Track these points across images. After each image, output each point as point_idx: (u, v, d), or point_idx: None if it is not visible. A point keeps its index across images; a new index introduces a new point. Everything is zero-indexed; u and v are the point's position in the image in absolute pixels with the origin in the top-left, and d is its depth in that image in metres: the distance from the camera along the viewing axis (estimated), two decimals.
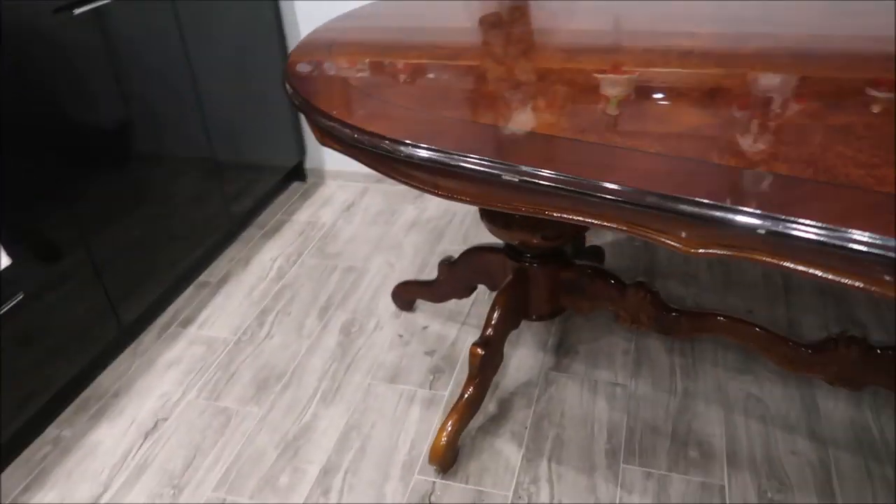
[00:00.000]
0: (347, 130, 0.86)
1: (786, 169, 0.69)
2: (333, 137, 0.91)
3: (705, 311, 1.28)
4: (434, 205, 2.16)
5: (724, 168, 0.71)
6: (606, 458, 1.31)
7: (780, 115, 0.81)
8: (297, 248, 2.00)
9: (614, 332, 1.60)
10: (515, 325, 1.41)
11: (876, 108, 0.81)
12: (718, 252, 0.68)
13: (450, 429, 1.28)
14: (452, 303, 1.69)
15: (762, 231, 0.63)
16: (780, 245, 0.64)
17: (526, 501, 1.24)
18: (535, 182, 0.73)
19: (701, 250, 0.69)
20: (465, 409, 1.30)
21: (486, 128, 0.84)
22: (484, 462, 1.31)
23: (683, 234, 0.70)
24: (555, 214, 0.76)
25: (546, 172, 0.73)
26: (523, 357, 1.55)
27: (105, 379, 1.57)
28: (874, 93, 0.85)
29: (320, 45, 1.17)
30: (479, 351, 1.30)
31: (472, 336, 1.62)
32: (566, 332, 1.61)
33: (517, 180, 0.73)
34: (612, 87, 0.92)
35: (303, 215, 2.16)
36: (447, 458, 1.28)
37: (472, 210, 2.11)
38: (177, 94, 1.65)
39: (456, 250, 1.93)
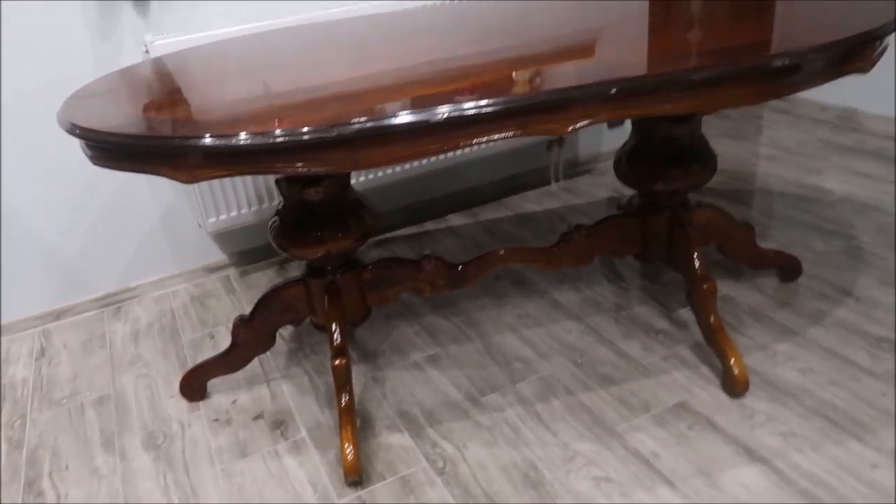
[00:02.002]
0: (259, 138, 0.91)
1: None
2: (230, 157, 0.93)
3: (482, 254, 1.60)
4: (143, 311, 2.00)
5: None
6: (469, 402, 1.51)
7: None
8: (14, 413, 1.63)
9: (395, 326, 1.80)
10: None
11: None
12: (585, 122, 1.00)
13: (349, 442, 1.32)
14: (244, 371, 1.64)
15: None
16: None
17: (442, 462, 1.36)
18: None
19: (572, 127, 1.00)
20: (349, 418, 1.35)
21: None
22: (385, 457, 1.38)
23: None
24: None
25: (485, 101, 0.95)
26: None
27: None
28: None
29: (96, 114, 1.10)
30: (340, 361, 1.37)
31: (286, 386, 1.62)
32: (360, 342, 1.74)
33: (444, 117, 0.93)
34: None
35: None
36: (360, 468, 1.31)
37: (192, 298, 2.04)
38: None
39: (200, 335, 1.87)
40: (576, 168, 2.58)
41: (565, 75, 1.11)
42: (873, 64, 1.15)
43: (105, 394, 1.67)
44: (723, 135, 2.81)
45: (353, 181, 2.08)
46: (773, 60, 1.07)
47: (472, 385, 1.56)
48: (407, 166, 2.15)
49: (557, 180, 2.53)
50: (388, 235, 2.29)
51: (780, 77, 1.11)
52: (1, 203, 1.82)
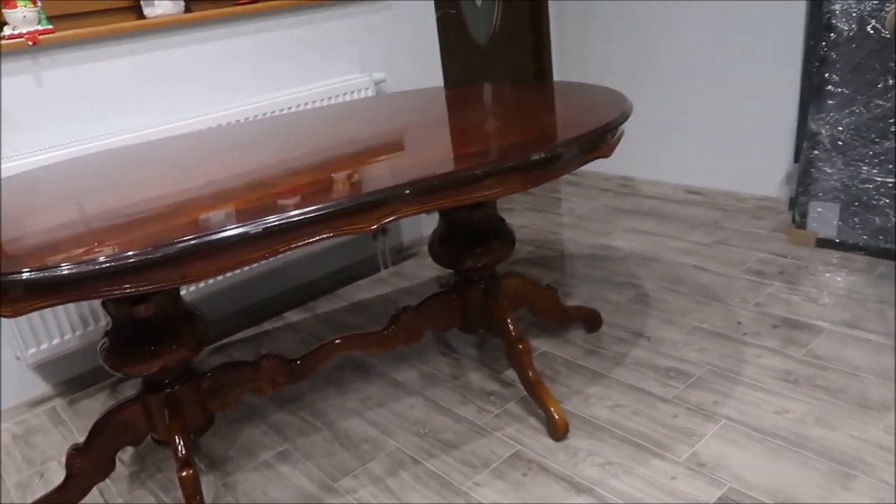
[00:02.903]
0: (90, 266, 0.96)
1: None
2: (54, 288, 0.97)
3: (318, 346, 1.69)
4: None
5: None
6: (322, 490, 1.57)
7: None
8: None
9: (242, 429, 1.82)
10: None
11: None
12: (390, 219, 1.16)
13: None
14: (83, 503, 1.58)
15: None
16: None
17: None
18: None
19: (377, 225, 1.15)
20: None
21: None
22: None
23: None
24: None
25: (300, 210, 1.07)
26: None
27: None
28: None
29: None
30: (187, 472, 1.38)
31: None
32: (207, 450, 1.74)
33: (261, 228, 1.04)
34: None
35: None
36: None
37: (14, 437, 1.90)
38: None
39: (28, 475, 1.78)
40: (402, 253, 2.77)
41: (370, 179, 1.27)
42: (612, 149, 1.44)
43: None
44: (527, 209, 3.15)
45: (187, 290, 2.11)
46: (533, 155, 1.31)
47: (323, 474, 1.61)
48: (239, 270, 2.21)
49: (386, 267, 2.69)
50: (227, 340, 2.30)
51: (543, 166, 1.35)
52: None
